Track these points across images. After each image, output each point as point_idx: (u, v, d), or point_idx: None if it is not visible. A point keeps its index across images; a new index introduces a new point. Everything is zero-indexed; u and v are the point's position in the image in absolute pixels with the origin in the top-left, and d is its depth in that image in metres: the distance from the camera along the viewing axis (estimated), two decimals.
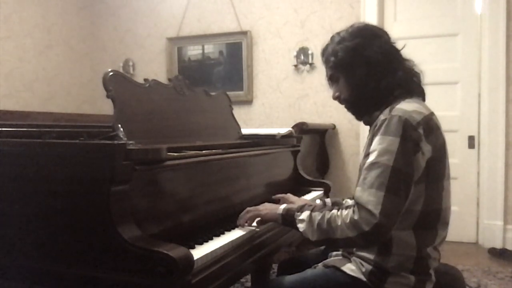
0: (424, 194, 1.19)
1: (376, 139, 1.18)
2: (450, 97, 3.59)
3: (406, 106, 1.20)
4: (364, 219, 1.11)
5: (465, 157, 3.57)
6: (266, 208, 1.38)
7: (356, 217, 1.13)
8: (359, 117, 1.39)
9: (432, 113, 1.24)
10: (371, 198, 1.12)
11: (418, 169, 1.17)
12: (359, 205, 1.14)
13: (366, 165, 1.18)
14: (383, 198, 1.11)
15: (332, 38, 1.37)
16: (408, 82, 1.30)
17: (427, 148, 1.17)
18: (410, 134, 1.15)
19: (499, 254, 3.25)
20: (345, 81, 1.33)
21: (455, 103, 3.60)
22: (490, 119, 3.45)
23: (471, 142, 3.56)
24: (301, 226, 1.24)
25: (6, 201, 1.16)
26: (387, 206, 1.11)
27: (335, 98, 1.39)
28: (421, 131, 1.16)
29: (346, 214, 1.16)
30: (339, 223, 1.16)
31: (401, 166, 1.13)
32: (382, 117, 1.21)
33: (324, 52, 1.39)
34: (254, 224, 1.39)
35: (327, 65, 1.37)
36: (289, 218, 1.29)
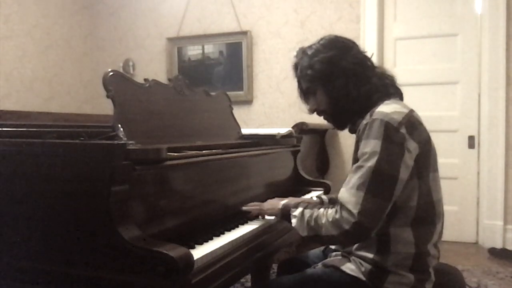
0: (417, 189, 1.22)
1: (361, 144, 1.21)
2: (450, 97, 3.58)
3: (385, 108, 1.23)
4: (345, 218, 1.16)
5: (465, 157, 3.57)
6: (269, 203, 1.48)
7: (337, 216, 1.18)
8: (340, 126, 1.42)
9: (411, 110, 1.27)
10: (351, 198, 1.16)
11: (407, 168, 1.19)
12: (341, 205, 1.18)
13: (352, 168, 1.22)
14: (362, 198, 1.15)
15: (304, 51, 1.39)
16: (384, 86, 1.33)
17: (413, 146, 1.19)
18: (393, 136, 1.17)
19: (499, 254, 3.25)
20: (324, 93, 1.36)
21: (455, 103, 3.59)
22: (490, 119, 3.45)
23: (471, 142, 3.55)
24: (293, 222, 1.30)
25: (6, 201, 1.16)
26: (367, 206, 1.14)
27: (312, 111, 1.43)
28: (403, 130, 1.18)
29: (330, 213, 1.21)
30: (324, 221, 1.21)
31: (383, 168, 1.15)
32: (364, 122, 1.23)
33: (297, 65, 1.41)
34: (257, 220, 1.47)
35: (303, 78, 1.39)
36: (286, 213, 1.35)
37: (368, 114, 1.24)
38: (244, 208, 1.52)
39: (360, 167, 1.18)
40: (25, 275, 1.13)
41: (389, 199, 1.17)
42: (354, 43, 1.38)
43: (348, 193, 1.17)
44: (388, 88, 1.34)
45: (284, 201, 1.42)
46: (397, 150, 1.16)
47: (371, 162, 1.16)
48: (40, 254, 1.11)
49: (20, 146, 1.16)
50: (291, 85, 3.90)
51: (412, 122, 1.21)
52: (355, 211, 1.14)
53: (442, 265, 1.38)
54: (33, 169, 1.12)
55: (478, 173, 3.55)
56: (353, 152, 1.28)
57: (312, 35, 3.85)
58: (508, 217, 3.45)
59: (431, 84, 3.58)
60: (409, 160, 1.18)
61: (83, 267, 1.05)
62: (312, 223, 1.23)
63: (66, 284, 1.08)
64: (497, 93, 3.41)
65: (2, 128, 1.39)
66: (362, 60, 1.35)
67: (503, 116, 3.41)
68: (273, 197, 1.71)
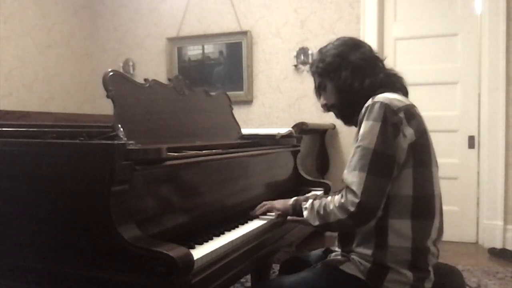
0: (412, 179, 1.24)
1: (362, 125, 1.26)
2: (450, 97, 3.58)
3: (388, 95, 1.28)
4: (350, 201, 1.20)
5: (465, 157, 3.57)
6: (280, 202, 1.52)
7: (343, 200, 1.22)
8: (347, 121, 1.47)
9: (413, 105, 1.31)
10: (354, 179, 1.20)
11: (402, 151, 1.22)
12: (346, 188, 1.22)
13: (352, 150, 1.26)
14: (365, 178, 1.19)
15: (320, 50, 1.49)
16: (390, 82, 1.38)
17: (409, 131, 1.22)
18: (391, 118, 1.21)
19: (499, 254, 3.25)
20: (332, 86, 1.42)
21: (455, 103, 3.59)
22: (490, 119, 3.45)
23: (471, 142, 3.55)
24: (305, 214, 1.35)
25: (5, 201, 1.16)
26: (369, 185, 1.18)
27: (323, 106, 1.49)
28: (401, 115, 1.23)
29: (336, 198, 1.25)
30: (331, 207, 1.25)
31: (382, 148, 1.20)
32: (365, 105, 1.27)
33: (312, 64, 1.50)
34: (272, 214, 1.51)
35: (316, 72, 1.46)
36: (297, 208, 1.41)
37: (370, 99, 1.28)
38: (257, 213, 1.52)
39: (358, 147, 1.23)
40: (25, 274, 1.13)
41: (389, 178, 1.21)
42: (366, 44, 1.45)
43: (351, 175, 1.22)
44: (394, 84, 1.38)
45: (294, 198, 1.47)
46: (393, 131, 1.21)
47: (370, 143, 1.20)
48: (39, 254, 1.11)
49: (20, 146, 1.16)
50: (291, 85, 3.93)
51: (411, 112, 1.26)
52: (358, 191, 1.18)
53: (442, 265, 1.38)
54: (33, 169, 1.12)
55: (478, 173, 3.55)
56: (355, 134, 1.31)
57: (312, 35, 3.85)
58: (508, 217, 3.45)
59: (431, 84, 3.58)
60: (403, 143, 1.21)
61: (83, 267, 1.05)
62: (322, 211, 1.28)
63: (66, 284, 1.08)
64: (497, 93, 3.41)
65: (2, 128, 1.39)
66: (370, 57, 1.40)
67: (503, 116, 3.41)
68: (274, 198, 1.71)
